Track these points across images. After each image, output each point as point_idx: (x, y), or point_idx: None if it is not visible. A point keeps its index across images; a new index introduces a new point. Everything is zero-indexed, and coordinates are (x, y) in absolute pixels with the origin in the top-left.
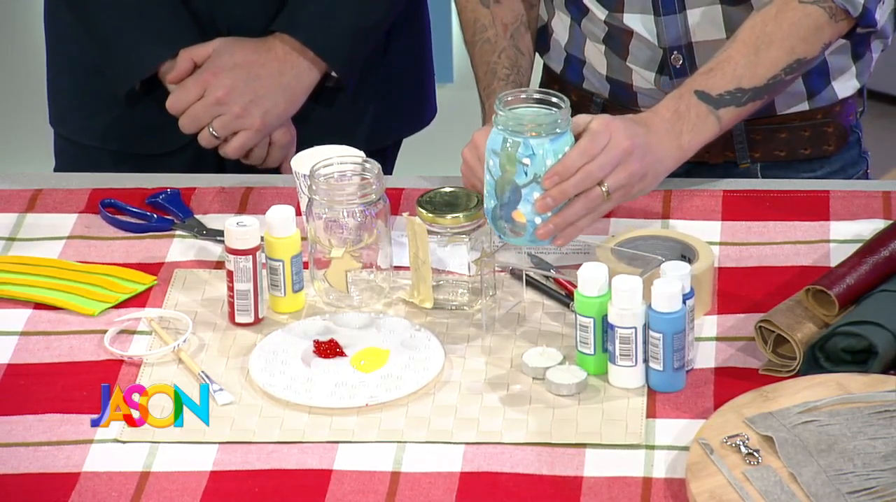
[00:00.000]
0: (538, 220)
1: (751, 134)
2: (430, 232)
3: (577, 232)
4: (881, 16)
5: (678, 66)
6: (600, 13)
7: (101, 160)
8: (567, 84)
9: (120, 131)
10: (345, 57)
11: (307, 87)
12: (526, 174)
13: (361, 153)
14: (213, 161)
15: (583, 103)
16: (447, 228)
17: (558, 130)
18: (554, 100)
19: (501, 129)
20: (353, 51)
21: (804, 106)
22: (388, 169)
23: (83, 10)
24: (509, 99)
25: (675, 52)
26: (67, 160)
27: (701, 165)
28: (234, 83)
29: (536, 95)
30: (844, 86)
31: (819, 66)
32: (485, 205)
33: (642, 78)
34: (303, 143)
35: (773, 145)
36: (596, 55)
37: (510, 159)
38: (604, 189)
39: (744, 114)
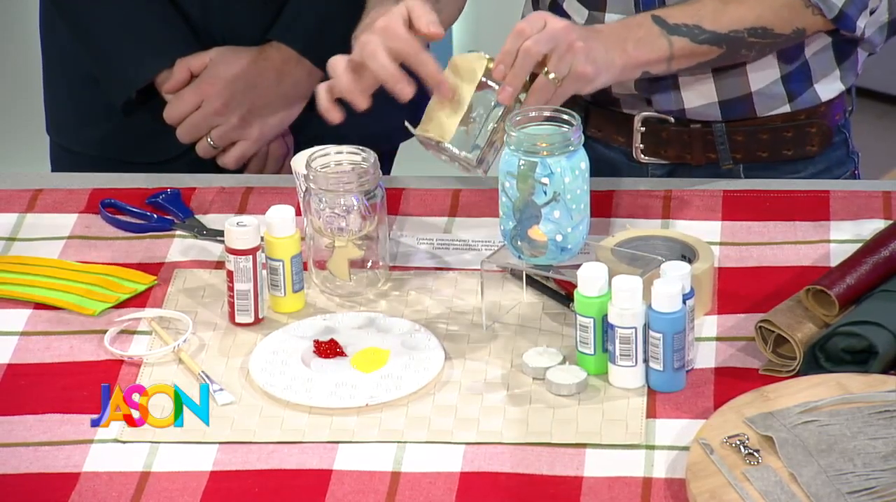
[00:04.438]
0: (559, 238)
1: (732, 135)
2: (486, 85)
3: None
4: (864, 23)
5: None
6: (579, 17)
7: (97, 169)
8: None
9: (117, 140)
10: None
11: (304, 96)
12: (545, 193)
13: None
14: (210, 170)
15: (567, 104)
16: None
17: (571, 148)
18: (565, 117)
19: (515, 150)
20: None
21: (786, 108)
22: (384, 173)
23: (78, 20)
24: (519, 118)
25: None
26: (64, 168)
27: (682, 166)
28: (231, 93)
29: (547, 113)
30: (828, 88)
31: (800, 68)
32: (502, 228)
33: (621, 84)
34: (300, 151)
35: (755, 146)
36: None
37: (526, 179)
38: (551, 76)
39: (699, 54)
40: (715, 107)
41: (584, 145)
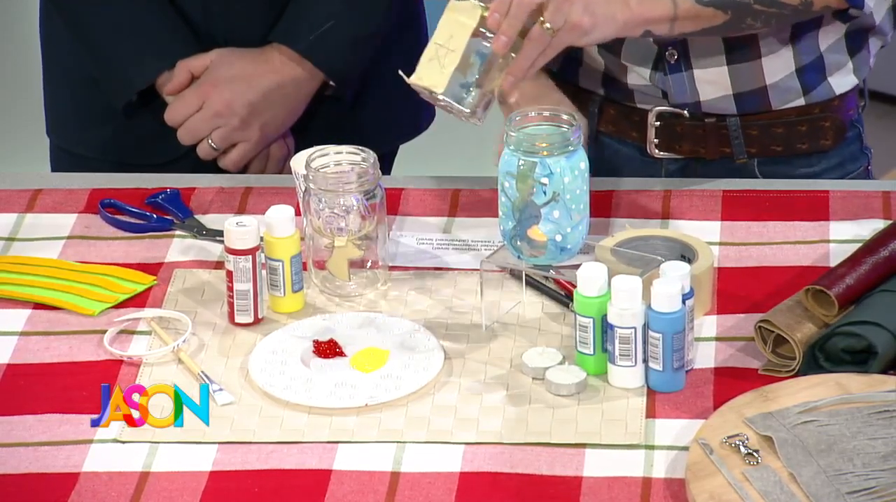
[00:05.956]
0: (558, 238)
1: (747, 129)
2: (481, 34)
3: (535, 70)
4: (872, 1)
5: (673, 62)
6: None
7: (98, 171)
8: (564, 83)
9: (117, 143)
10: (342, 67)
11: (305, 98)
12: (545, 193)
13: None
14: (211, 172)
15: (581, 100)
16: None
17: (570, 148)
18: (564, 117)
19: (514, 150)
20: (351, 60)
21: (800, 101)
22: (385, 173)
23: (79, 21)
24: (519, 119)
25: (670, 48)
26: (64, 170)
27: (697, 160)
28: (232, 95)
29: (546, 113)
30: (841, 81)
31: (814, 62)
32: (502, 227)
33: (637, 75)
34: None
35: (769, 140)
36: (591, 52)
37: (525, 179)
38: (546, 26)
39: (703, 18)
40: (730, 99)
41: (597, 142)
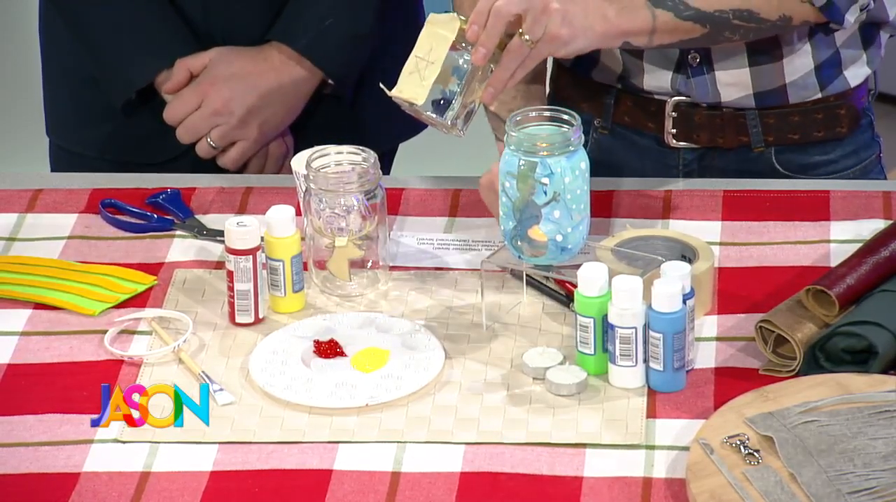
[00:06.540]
0: (559, 238)
1: (764, 118)
2: (461, 47)
3: (515, 82)
4: (853, 17)
5: (695, 65)
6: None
7: (98, 170)
8: (577, 76)
9: (117, 141)
10: (341, 65)
11: (304, 96)
12: (545, 193)
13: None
14: (210, 171)
15: (596, 92)
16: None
17: (571, 148)
18: (565, 117)
19: (515, 150)
20: (350, 59)
21: (817, 95)
22: (384, 172)
23: (78, 21)
24: (519, 118)
25: (693, 51)
26: (64, 169)
27: (714, 149)
28: (231, 93)
29: (547, 113)
30: (856, 73)
31: (831, 57)
32: (502, 228)
33: (655, 77)
34: (300, 151)
35: (786, 129)
36: (610, 51)
37: (526, 179)
38: (525, 38)
39: (681, 31)
40: (750, 98)
41: (613, 132)
